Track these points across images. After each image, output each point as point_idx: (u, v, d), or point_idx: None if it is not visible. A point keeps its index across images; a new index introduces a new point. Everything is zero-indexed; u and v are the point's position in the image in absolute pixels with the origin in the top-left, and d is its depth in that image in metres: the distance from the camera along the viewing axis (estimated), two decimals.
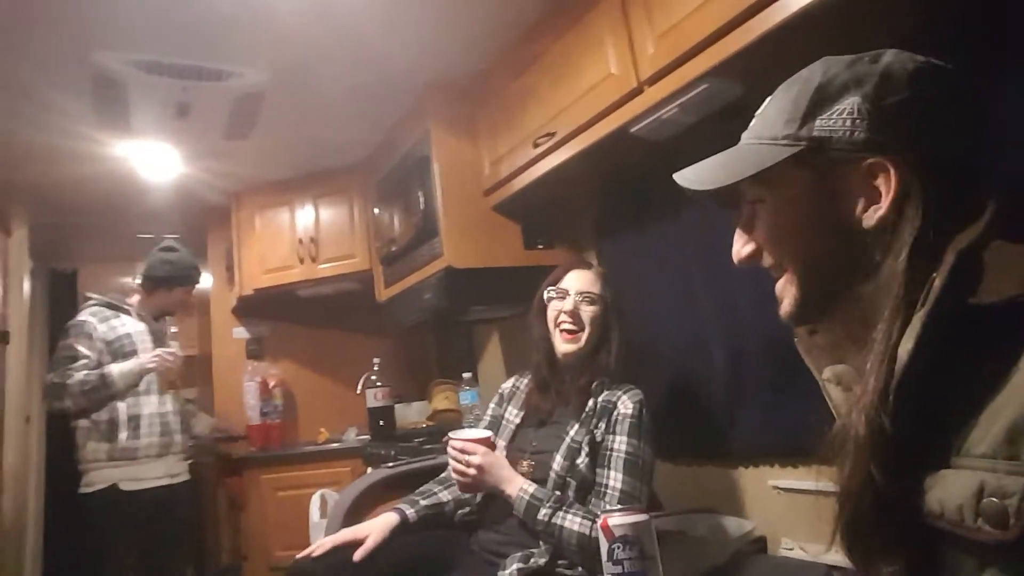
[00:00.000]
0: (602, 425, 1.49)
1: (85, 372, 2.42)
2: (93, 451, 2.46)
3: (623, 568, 1.06)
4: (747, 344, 1.75)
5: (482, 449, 1.45)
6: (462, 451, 1.46)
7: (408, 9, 1.97)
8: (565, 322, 1.61)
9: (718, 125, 1.53)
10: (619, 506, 1.20)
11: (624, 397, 1.52)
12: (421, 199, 2.42)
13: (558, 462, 1.46)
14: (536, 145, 2.00)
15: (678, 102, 1.54)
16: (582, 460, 1.45)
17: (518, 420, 1.65)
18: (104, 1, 1.80)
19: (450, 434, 1.52)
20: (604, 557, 1.07)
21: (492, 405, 1.81)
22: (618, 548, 1.05)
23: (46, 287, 4.11)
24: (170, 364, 2.52)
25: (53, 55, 2.03)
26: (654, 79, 1.57)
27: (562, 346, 1.61)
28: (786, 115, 0.70)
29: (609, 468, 1.44)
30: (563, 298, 1.63)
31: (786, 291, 0.73)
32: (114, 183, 3.03)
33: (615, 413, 1.49)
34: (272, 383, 3.39)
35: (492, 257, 2.36)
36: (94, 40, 1.98)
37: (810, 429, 0.71)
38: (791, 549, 1.68)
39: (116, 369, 2.45)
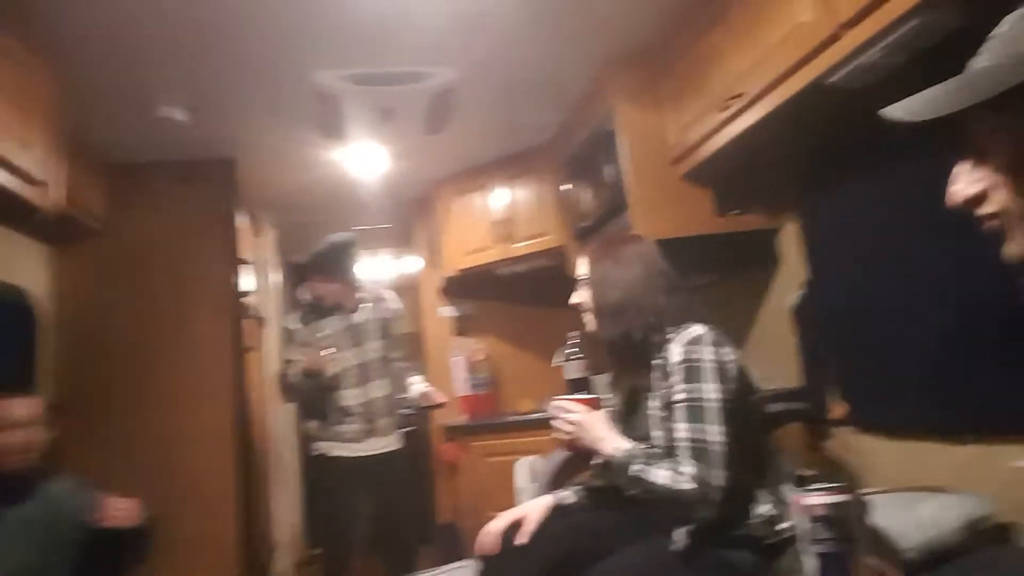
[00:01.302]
0: (668, 383, 1.44)
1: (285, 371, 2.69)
2: (315, 425, 2.76)
3: (823, 549, 1.02)
4: (978, 308, 1.56)
5: (581, 408, 1.49)
6: (562, 409, 1.51)
7: None
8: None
9: (934, 64, 1.36)
10: (820, 486, 1.13)
11: (671, 346, 1.44)
12: (609, 173, 2.44)
13: (656, 437, 1.44)
14: (724, 108, 1.93)
15: (883, 43, 1.39)
16: (669, 424, 1.42)
17: (614, 408, 1.63)
18: (316, 28, 2.04)
19: (555, 398, 1.57)
20: (805, 537, 1.03)
21: None
22: (817, 530, 1.01)
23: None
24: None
25: (282, 80, 2.35)
26: (854, 21, 1.43)
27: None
28: None
29: (674, 423, 1.39)
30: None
31: (1020, 230, 0.66)
32: (333, 184, 3.44)
33: (668, 367, 1.44)
34: (478, 357, 3.64)
35: (684, 226, 2.32)
36: (314, 63, 2.26)
37: None
38: None
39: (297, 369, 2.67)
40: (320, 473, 2.75)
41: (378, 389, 2.79)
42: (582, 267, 1.64)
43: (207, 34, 2.00)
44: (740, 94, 1.85)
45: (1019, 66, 0.62)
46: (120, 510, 1.86)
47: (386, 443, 2.82)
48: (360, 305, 2.80)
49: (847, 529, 1.01)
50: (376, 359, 2.79)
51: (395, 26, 2.07)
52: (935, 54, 1.39)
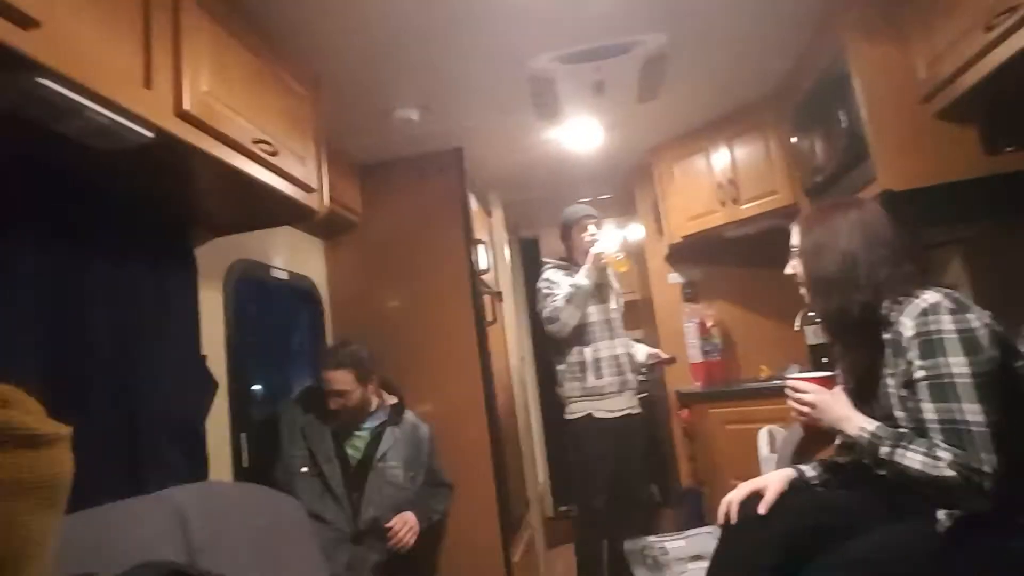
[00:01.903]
0: (904, 360, 1.29)
1: (563, 301, 2.91)
2: (571, 388, 2.99)
3: None
4: None
5: (814, 387, 1.43)
6: (795, 389, 1.45)
7: None
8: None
9: None
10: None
11: (902, 319, 1.28)
12: (844, 120, 2.21)
13: (899, 418, 1.31)
14: (990, 27, 1.63)
15: None
16: (912, 404, 1.28)
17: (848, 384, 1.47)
18: (523, 15, 2.12)
19: (789, 375, 1.49)
20: None
21: None
22: None
23: (519, 252, 5.05)
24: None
25: (499, 69, 2.48)
26: None
27: None
28: None
29: (920, 402, 1.25)
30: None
31: None
32: (553, 161, 3.55)
33: (903, 341, 1.28)
34: (709, 323, 3.55)
35: (941, 171, 2.04)
36: (526, 49, 2.36)
37: None
38: None
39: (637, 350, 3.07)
40: (578, 435, 2.97)
41: (621, 346, 3.01)
42: (794, 236, 1.54)
43: (431, 38, 2.18)
44: (1012, 8, 1.55)
45: None
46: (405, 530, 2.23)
47: (632, 403, 3.04)
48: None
49: None
50: (617, 317, 3.05)
51: (594, 3, 2.08)
52: None
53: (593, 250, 2.92)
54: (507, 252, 4.30)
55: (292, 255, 2.75)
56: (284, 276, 2.60)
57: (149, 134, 1.33)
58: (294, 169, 1.86)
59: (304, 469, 2.20)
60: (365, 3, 1.94)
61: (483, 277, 3.23)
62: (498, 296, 3.69)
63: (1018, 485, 1.18)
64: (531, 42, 2.31)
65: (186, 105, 1.41)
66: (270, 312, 2.79)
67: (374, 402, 2.38)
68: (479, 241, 3.23)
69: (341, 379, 2.26)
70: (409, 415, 2.46)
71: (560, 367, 3.03)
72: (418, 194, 3.16)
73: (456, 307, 3.03)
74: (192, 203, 1.88)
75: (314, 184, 1.99)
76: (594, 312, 2.99)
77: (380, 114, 2.68)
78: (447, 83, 2.55)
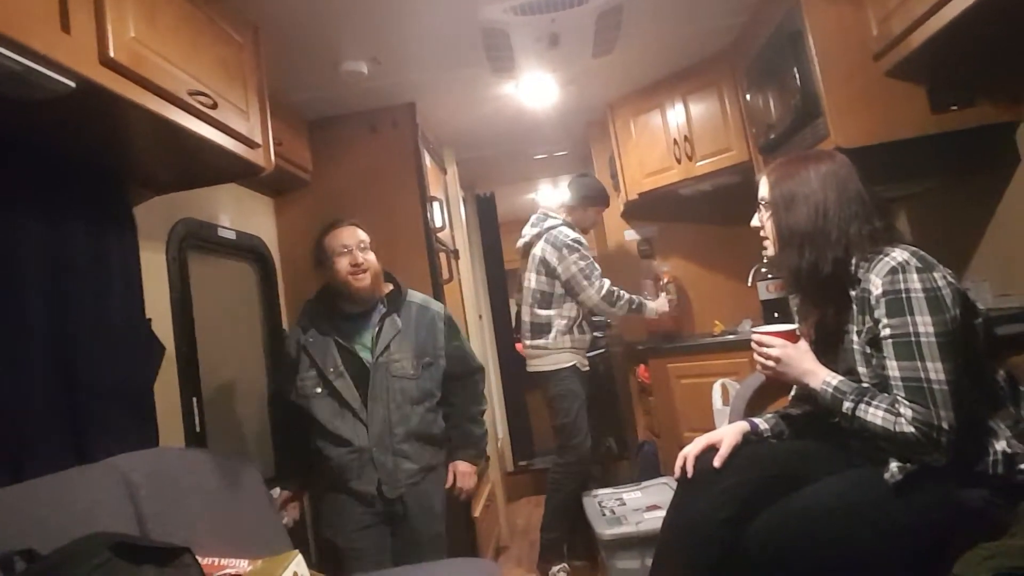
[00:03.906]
0: (871, 318, 1.31)
1: (631, 296, 3.13)
2: (562, 341, 3.09)
3: None
4: None
5: (780, 342, 1.44)
6: (760, 343, 1.46)
7: None
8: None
9: None
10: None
11: (871, 276, 1.30)
12: (798, 77, 2.21)
13: (862, 374, 1.34)
14: None
15: None
16: (877, 361, 1.31)
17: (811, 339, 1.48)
18: None
19: (753, 328, 1.51)
20: None
21: None
22: None
23: (474, 210, 5.00)
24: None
25: (452, 20, 2.39)
26: None
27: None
28: None
29: (885, 359, 1.27)
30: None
31: None
32: (508, 117, 3.49)
33: (871, 299, 1.30)
34: (665, 280, 3.59)
35: (891, 129, 2.06)
36: (478, 1, 2.27)
37: None
38: None
39: (648, 305, 3.20)
40: (567, 384, 3.07)
41: (661, 301, 3.31)
42: (763, 188, 1.51)
43: None
44: None
45: None
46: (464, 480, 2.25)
47: (596, 359, 3.30)
48: None
49: None
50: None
51: None
52: None
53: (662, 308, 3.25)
54: (463, 209, 4.25)
55: (240, 214, 2.66)
56: (231, 236, 2.51)
57: (70, 83, 1.23)
58: (235, 123, 1.77)
59: (318, 390, 2.09)
60: None
61: (439, 235, 3.19)
62: (454, 254, 3.65)
63: (969, 438, 1.22)
64: None
65: (111, 52, 1.31)
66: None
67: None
68: (434, 198, 3.18)
69: (360, 233, 2.15)
70: (416, 297, 2.29)
71: (555, 320, 3.09)
72: (370, 150, 3.07)
73: (412, 265, 2.98)
74: (128, 160, 1.78)
75: (258, 139, 1.90)
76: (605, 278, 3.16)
77: (327, 66, 2.58)
78: (397, 34, 2.45)
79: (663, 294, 3.37)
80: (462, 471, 2.23)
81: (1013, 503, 1.20)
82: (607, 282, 3.07)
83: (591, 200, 3.24)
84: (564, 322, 3.09)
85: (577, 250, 3.06)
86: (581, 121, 3.78)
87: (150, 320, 1.88)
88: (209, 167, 1.89)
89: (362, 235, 2.16)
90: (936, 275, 1.26)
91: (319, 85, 2.73)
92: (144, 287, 1.86)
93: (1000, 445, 1.22)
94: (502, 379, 4.84)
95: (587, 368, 3.19)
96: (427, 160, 3.21)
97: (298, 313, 2.28)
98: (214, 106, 1.64)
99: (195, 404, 2.10)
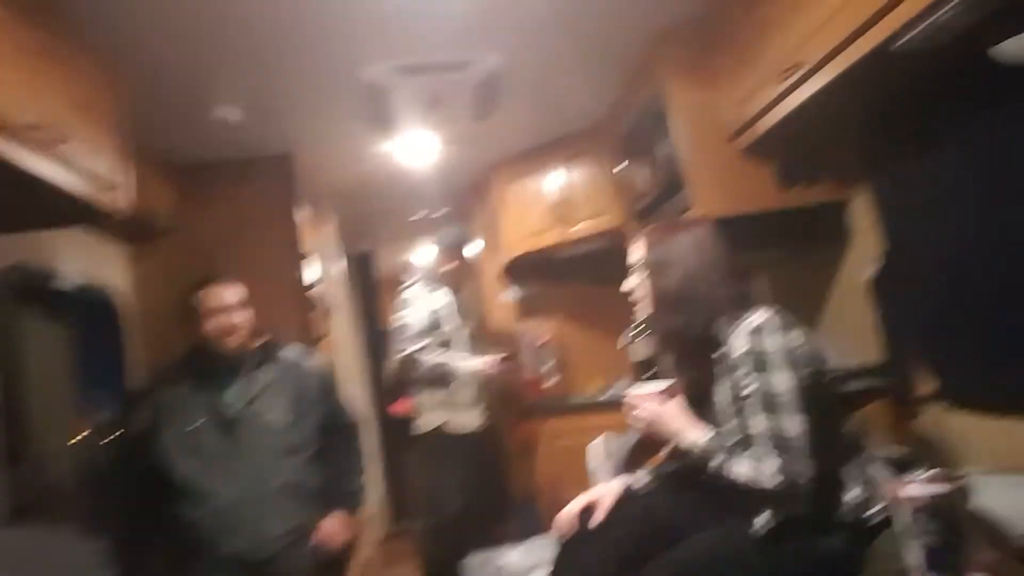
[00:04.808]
0: (737, 376, 1.37)
1: (436, 360, 2.90)
2: (427, 398, 2.96)
3: (925, 543, 0.95)
4: None
5: (653, 401, 1.47)
6: (635, 404, 1.50)
7: None
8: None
9: (1013, 22, 1.24)
10: (920, 474, 1.06)
11: (735, 336, 1.37)
12: (664, 152, 2.37)
13: (731, 430, 1.39)
14: (782, 79, 1.82)
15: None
16: (742, 417, 1.37)
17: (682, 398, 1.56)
18: (361, 21, 2.04)
19: (628, 387, 1.54)
20: (902, 530, 0.98)
21: None
22: (918, 521, 0.95)
23: (351, 267, 4.88)
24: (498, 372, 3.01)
25: (334, 75, 2.37)
26: None
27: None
28: None
29: (749, 416, 1.33)
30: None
31: None
32: (389, 174, 3.47)
33: (735, 359, 1.36)
34: (542, 340, 3.63)
35: (747, 202, 2.23)
36: (360, 56, 2.27)
37: None
38: None
39: (460, 366, 2.93)
40: (433, 445, 2.94)
41: (476, 359, 3.03)
42: (636, 252, 1.58)
43: (256, 34, 2.03)
44: (799, 64, 1.74)
45: None
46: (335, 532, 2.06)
47: (482, 419, 3.06)
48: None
49: (953, 520, 0.95)
50: (472, 332, 3.11)
51: (438, 15, 2.05)
52: (1012, 10, 1.26)
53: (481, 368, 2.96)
54: (339, 266, 4.13)
55: (87, 262, 2.42)
56: (69, 286, 2.25)
57: None
58: (86, 162, 1.62)
59: (179, 448, 1.93)
60: None
61: (312, 291, 3.07)
62: (328, 311, 3.52)
63: (824, 492, 1.29)
64: (366, 49, 2.23)
65: None
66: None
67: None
68: (309, 253, 3.06)
69: (237, 292, 2.05)
70: (292, 349, 2.20)
71: (418, 375, 2.97)
72: (243, 200, 2.94)
73: (282, 321, 2.82)
74: None
75: (112, 181, 1.75)
76: (459, 333, 3.04)
77: (197, 111, 2.46)
78: (274, 83, 2.39)
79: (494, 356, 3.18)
80: (333, 528, 2.08)
81: (865, 546, 1.27)
82: (411, 347, 2.91)
83: (442, 251, 3.15)
84: (424, 377, 2.97)
85: (401, 308, 3.02)
86: (463, 182, 3.83)
87: None
88: (49, 208, 1.70)
89: (237, 294, 2.07)
90: (793, 335, 1.35)
91: (188, 129, 2.59)
92: None
93: (851, 494, 1.30)
94: (379, 440, 4.64)
95: (466, 428, 3.05)
96: (303, 214, 3.11)
97: (158, 369, 2.12)
98: (60, 141, 1.49)
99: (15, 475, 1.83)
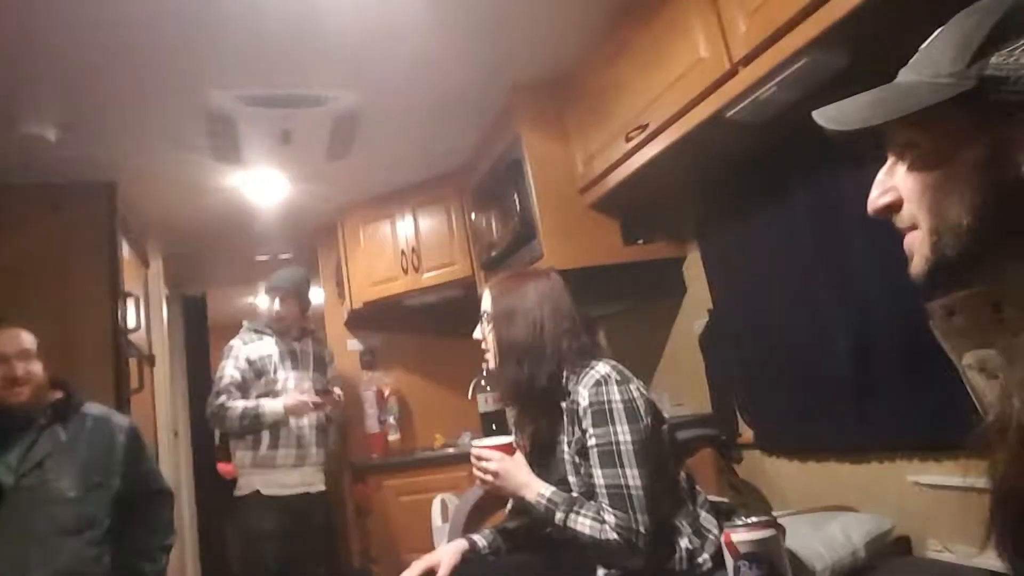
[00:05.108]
0: (579, 428, 1.39)
1: (244, 405, 2.68)
2: (240, 458, 2.72)
3: None
4: (875, 329, 1.64)
5: (497, 455, 1.44)
6: (479, 457, 1.46)
7: (489, 12, 1.96)
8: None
9: (827, 96, 1.41)
10: (744, 520, 1.11)
11: (579, 388, 1.40)
12: (517, 202, 2.42)
13: (573, 483, 1.41)
14: (629, 139, 1.95)
15: (777, 80, 1.45)
16: (585, 470, 1.38)
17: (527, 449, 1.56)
18: (210, 44, 1.92)
19: (473, 441, 1.52)
20: (731, 573, 1.01)
21: None
22: (744, 567, 0.99)
23: (180, 311, 4.46)
24: (308, 411, 2.77)
25: (170, 98, 2.20)
26: (748, 59, 1.49)
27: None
28: (954, 50, 0.62)
29: (592, 468, 1.35)
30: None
31: (921, 247, 0.65)
32: (230, 211, 3.25)
33: (579, 410, 1.39)
34: (387, 392, 3.51)
35: (592, 255, 2.32)
36: (205, 81, 2.13)
37: (953, 420, 0.63)
38: (940, 551, 1.55)
39: (267, 407, 2.70)
40: (245, 513, 2.68)
41: (308, 417, 2.81)
42: (486, 301, 1.57)
43: (78, 42, 1.83)
44: (644, 125, 1.88)
45: (933, 85, 0.63)
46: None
47: (314, 479, 2.83)
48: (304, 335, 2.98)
49: (773, 563, 0.99)
50: (312, 390, 2.84)
51: (299, 44, 1.98)
52: (830, 86, 1.44)
53: (289, 402, 2.72)
54: (165, 310, 3.77)
55: None
56: None
57: None
58: None
59: None
60: None
61: (131, 336, 2.75)
62: (149, 360, 3.17)
63: (659, 538, 1.30)
64: (212, 73, 2.09)
65: None
66: None
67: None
68: (129, 294, 2.75)
69: (23, 339, 1.79)
70: (93, 408, 1.94)
71: (227, 427, 2.74)
72: (51, 231, 2.61)
73: (93, 370, 2.51)
74: None
75: None
76: (290, 379, 2.82)
77: (1, 126, 2.16)
78: (97, 102, 2.17)
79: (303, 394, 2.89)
80: None
81: None
82: (224, 397, 2.70)
83: (274, 295, 2.91)
84: (244, 441, 2.74)
85: (224, 357, 2.83)
86: (309, 223, 3.67)
87: None
88: None
89: (25, 341, 1.82)
90: (632, 387, 1.38)
91: None
92: None
93: (684, 542, 1.33)
94: (197, 508, 4.19)
95: (288, 491, 2.74)
96: (124, 250, 2.81)
97: None
98: None
99: None
